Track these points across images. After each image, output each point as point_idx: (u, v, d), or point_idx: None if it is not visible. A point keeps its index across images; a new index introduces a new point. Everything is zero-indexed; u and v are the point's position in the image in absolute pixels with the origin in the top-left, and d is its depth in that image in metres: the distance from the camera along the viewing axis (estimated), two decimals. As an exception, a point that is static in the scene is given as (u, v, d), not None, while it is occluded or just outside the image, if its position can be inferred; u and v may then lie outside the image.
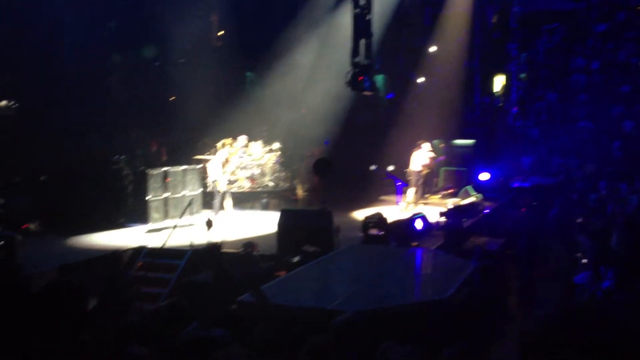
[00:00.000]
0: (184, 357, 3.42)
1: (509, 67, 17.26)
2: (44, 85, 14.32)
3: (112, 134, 15.76)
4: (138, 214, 13.34)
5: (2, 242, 8.22)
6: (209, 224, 11.03)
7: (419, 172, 15.28)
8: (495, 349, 5.93)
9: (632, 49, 17.49)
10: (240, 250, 10.10)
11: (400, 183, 14.72)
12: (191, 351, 3.43)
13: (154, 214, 13.45)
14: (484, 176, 15.00)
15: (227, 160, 14.78)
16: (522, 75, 16.70)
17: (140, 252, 10.86)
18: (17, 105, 13.85)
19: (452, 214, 12.01)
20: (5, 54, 13.50)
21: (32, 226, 12.30)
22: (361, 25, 13.07)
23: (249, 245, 10.07)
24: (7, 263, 8.10)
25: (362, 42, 13.05)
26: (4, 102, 13.72)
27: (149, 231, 12.67)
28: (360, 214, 13.58)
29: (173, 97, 18.57)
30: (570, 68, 17.62)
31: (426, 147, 15.56)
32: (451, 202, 14.35)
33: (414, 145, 15.56)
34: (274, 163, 17.38)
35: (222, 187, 13.99)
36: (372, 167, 15.55)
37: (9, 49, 13.55)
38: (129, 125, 16.52)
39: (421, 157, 15.41)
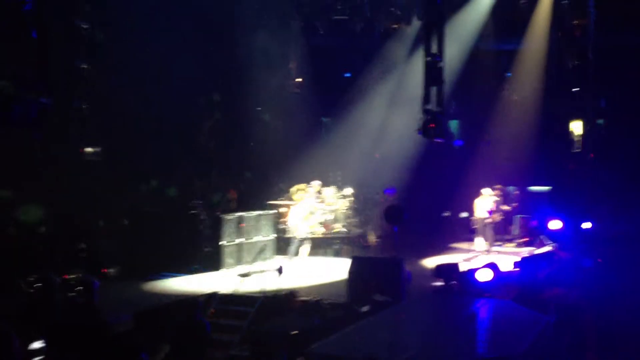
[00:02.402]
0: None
1: (586, 112, 16.81)
2: (130, 127, 14.99)
3: (192, 179, 16.32)
4: (212, 259, 13.66)
5: (82, 287, 8.56)
6: (280, 270, 11.13)
7: (484, 218, 15.11)
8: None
9: None
10: (309, 298, 10.14)
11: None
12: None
13: (227, 259, 13.74)
14: (555, 224, 14.48)
15: (311, 210, 14.96)
16: (600, 121, 16.22)
17: (213, 298, 11.07)
18: (101, 150, 14.55)
19: (525, 263, 11.65)
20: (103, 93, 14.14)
21: (111, 270, 12.80)
22: (433, 73, 13.10)
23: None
24: (86, 308, 8.43)
25: (434, 89, 13.09)
26: (89, 149, 14.42)
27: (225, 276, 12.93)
28: (431, 262, 13.40)
29: (252, 143, 19.07)
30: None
31: (487, 192, 15.42)
32: (526, 251, 13.94)
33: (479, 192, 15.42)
34: (346, 209, 17.44)
35: (300, 234, 14.16)
36: (446, 214, 15.39)
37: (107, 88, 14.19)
38: (209, 170, 17.06)
39: (485, 204, 15.27)
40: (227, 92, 18.06)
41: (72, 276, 10.22)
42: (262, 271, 11.01)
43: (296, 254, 14.06)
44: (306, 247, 14.27)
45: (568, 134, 17.36)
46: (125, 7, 13.83)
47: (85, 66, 13.24)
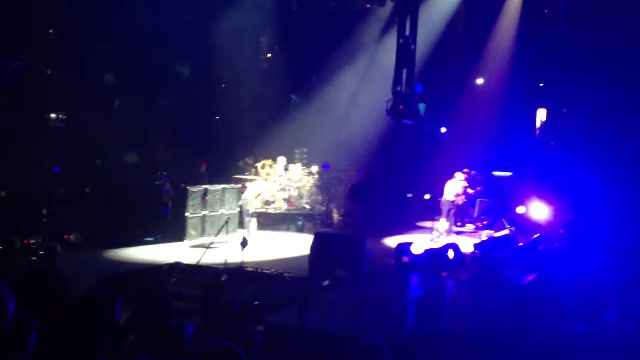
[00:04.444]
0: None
1: (550, 100, 17.15)
2: (96, 95, 14.79)
3: (156, 151, 16.18)
4: (175, 230, 13.66)
5: (43, 251, 8.52)
6: (244, 243, 11.22)
7: (452, 201, 15.41)
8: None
9: None
10: (271, 270, 10.26)
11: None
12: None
13: (191, 231, 13.75)
14: (521, 209, 14.88)
15: (261, 191, 15.13)
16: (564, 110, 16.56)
17: (175, 268, 11.10)
18: (66, 117, 14.35)
19: (485, 245, 11.96)
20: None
21: (72, 237, 12.72)
22: (405, 55, 13.21)
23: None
24: (47, 272, 8.40)
25: (405, 71, 13.20)
26: (53, 115, 14.23)
27: (188, 247, 12.97)
28: (394, 241, 13.63)
29: (218, 117, 18.97)
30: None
31: (459, 176, 15.73)
32: (485, 234, 14.30)
33: (449, 175, 15.68)
34: (311, 186, 17.54)
35: (252, 208, 14.35)
36: (409, 195, 15.64)
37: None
38: (173, 142, 16.90)
39: (454, 187, 15.57)
40: (196, 64, 17.86)
41: (32, 241, 10.14)
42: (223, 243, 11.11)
43: (249, 226, 14.23)
44: (254, 222, 14.45)
45: (533, 121, 17.73)
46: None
47: (52, 31, 13.00)
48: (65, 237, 12.40)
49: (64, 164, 14.08)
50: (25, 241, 9.86)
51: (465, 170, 16.58)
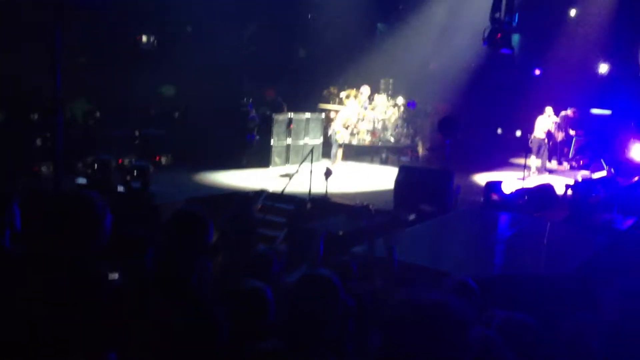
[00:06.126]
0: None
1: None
2: (183, 24, 14.79)
3: (242, 80, 16.15)
4: (261, 158, 13.75)
5: (136, 171, 8.73)
6: (328, 173, 11.13)
7: (542, 139, 14.73)
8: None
9: None
10: (356, 202, 10.16)
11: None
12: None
13: (276, 159, 13.83)
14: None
15: (351, 117, 14.72)
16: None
17: (261, 195, 11.20)
18: (157, 40, 14.45)
19: (581, 186, 11.37)
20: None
21: (163, 159, 13.03)
22: (504, -20, 12.40)
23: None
24: (140, 192, 8.63)
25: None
26: (145, 37, 14.33)
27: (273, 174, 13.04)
28: (483, 178, 13.22)
29: (300, 47, 18.64)
30: None
31: (549, 111, 14.94)
32: (581, 174, 13.61)
33: (542, 111, 14.92)
34: (397, 118, 17.16)
35: (340, 138, 14.06)
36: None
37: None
38: (257, 74, 16.77)
39: (544, 123, 14.84)
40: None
41: (126, 161, 10.44)
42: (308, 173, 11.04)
43: (334, 158, 14.04)
44: (340, 153, 14.20)
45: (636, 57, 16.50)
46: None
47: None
48: (157, 158, 12.72)
49: (154, 87, 14.28)
50: (120, 161, 10.17)
51: (567, 109, 15.74)
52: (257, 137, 14.07)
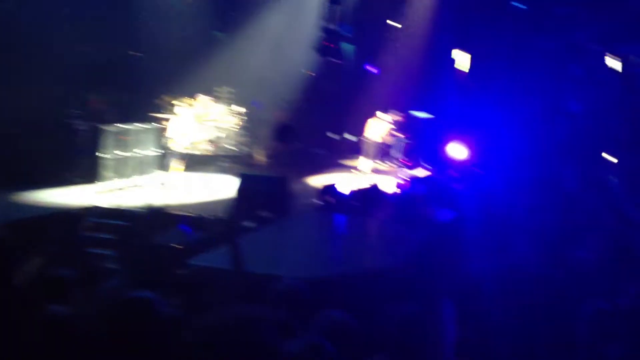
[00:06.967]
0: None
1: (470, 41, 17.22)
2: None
3: (65, 87, 15.15)
4: (89, 172, 12.96)
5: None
6: (163, 185, 10.86)
7: (373, 141, 15.58)
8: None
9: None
10: (192, 213, 10.01)
11: None
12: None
13: (105, 172, 13.08)
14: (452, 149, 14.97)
15: (187, 124, 14.47)
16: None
17: (91, 212, 10.64)
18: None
19: (407, 185, 12.09)
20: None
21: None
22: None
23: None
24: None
25: (334, 8, 12.96)
26: None
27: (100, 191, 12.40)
28: (319, 180, 13.60)
29: (136, 53, 17.94)
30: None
31: (383, 117, 15.81)
32: (406, 174, 14.49)
33: (372, 115, 15.76)
34: (236, 127, 17.17)
35: (175, 148, 13.79)
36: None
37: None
38: (83, 81, 15.85)
39: (377, 127, 15.65)
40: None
41: None
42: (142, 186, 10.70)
43: (170, 168, 13.71)
44: (181, 163, 13.94)
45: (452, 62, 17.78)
46: None
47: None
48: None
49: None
50: None
51: (393, 112, 16.66)
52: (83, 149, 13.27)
